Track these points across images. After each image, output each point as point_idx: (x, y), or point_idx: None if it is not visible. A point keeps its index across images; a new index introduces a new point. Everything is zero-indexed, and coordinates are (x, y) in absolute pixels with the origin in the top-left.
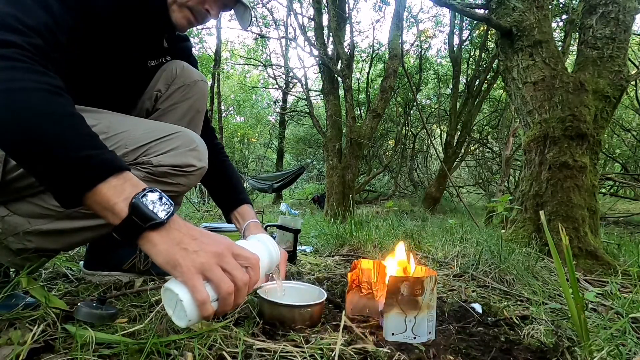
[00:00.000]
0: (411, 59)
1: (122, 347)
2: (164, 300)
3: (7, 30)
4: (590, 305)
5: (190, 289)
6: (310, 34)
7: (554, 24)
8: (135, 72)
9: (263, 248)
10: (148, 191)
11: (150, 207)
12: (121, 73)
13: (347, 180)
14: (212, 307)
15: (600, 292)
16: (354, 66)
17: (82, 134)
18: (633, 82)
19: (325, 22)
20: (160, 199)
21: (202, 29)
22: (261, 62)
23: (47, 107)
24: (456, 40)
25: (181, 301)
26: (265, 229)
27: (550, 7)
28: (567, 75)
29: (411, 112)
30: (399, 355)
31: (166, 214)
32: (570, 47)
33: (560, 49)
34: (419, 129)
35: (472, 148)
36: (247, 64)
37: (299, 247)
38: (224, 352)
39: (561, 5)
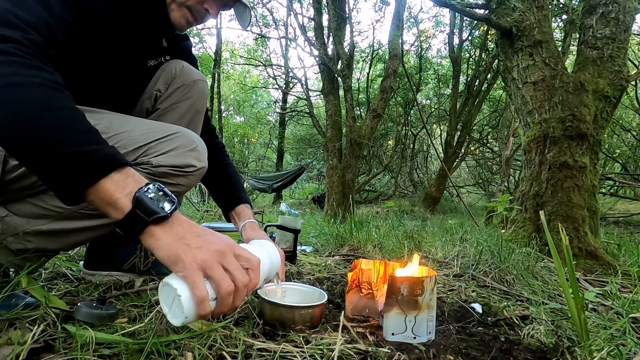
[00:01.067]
0: (411, 59)
1: (122, 347)
2: (160, 296)
3: (5, 26)
4: (590, 305)
5: (190, 284)
6: (310, 34)
7: (554, 24)
8: (135, 72)
9: (265, 253)
10: (151, 185)
11: (154, 201)
12: (121, 73)
13: (347, 180)
14: (210, 306)
15: (600, 292)
16: (354, 66)
17: (83, 129)
18: (633, 82)
19: (325, 22)
20: (164, 193)
21: (202, 28)
22: (261, 62)
23: (46, 102)
24: (456, 40)
25: (179, 296)
26: (265, 229)
27: (550, 7)
28: (567, 75)
29: (411, 112)
30: (399, 355)
31: (170, 209)
32: (570, 47)
33: (560, 49)
34: (419, 129)
35: (472, 148)
36: (247, 64)
37: (299, 247)
38: (224, 352)
39: (561, 5)
